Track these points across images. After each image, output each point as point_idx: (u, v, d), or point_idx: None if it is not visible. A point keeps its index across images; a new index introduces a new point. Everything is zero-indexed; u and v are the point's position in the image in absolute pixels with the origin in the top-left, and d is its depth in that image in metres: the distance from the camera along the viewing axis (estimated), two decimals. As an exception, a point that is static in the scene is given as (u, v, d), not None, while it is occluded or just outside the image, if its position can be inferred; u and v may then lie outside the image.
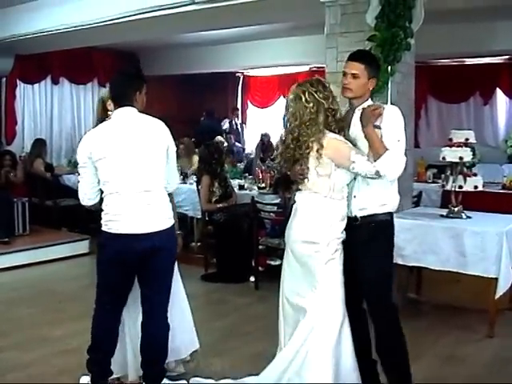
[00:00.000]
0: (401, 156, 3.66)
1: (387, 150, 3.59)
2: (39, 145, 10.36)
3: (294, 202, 3.92)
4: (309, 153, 3.66)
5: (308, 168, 3.69)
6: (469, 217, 5.79)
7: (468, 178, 5.75)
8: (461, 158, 5.65)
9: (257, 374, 4.16)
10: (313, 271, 3.75)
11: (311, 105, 3.65)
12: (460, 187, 5.74)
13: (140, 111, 3.90)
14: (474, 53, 10.18)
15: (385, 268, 3.86)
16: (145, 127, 3.85)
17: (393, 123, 3.72)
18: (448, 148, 5.74)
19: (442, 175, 6.06)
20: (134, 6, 7.48)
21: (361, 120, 3.69)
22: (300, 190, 3.84)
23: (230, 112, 14.16)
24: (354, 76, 3.75)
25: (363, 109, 3.73)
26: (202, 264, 7.51)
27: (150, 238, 3.71)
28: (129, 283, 3.90)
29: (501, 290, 5.17)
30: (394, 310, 3.88)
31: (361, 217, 3.79)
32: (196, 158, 8.86)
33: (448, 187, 5.84)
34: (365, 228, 3.78)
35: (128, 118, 3.81)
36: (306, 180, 3.73)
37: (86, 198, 3.88)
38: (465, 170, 5.84)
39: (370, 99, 3.88)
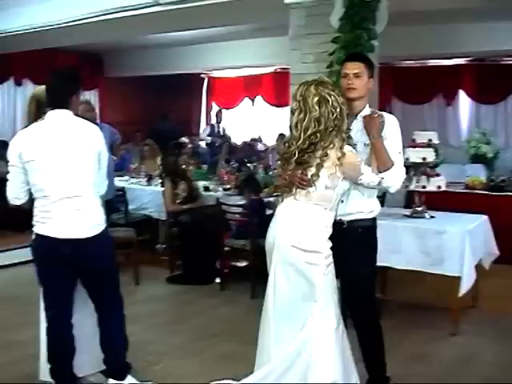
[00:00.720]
0: (403, 169, 3.73)
1: (393, 163, 3.63)
2: (1, 147, 10.20)
3: (275, 207, 3.79)
4: (325, 161, 3.48)
5: (318, 176, 3.49)
6: (432, 216, 5.86)
7: (431, 178, 5.82)
8: (424, 159, 5.72)
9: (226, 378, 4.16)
10: (312, 281, 3.53)
11: (338, 110, 3.48)
12: (423, 187, 5.81)
13: (75, 114, 3.86)
14: (437, 54, 10.32)
15: (372, 270, 3.94)
16: (78, 131, 3.80)
17: (394, 135, 3.76)
18: (411, 149, 5.80)
19: (406, 175, 6.09)
20: (97, 8, 7.44)
21: (366, 129, 3.69)
22: (294, 197, 3.60)
23: (213, 115, 14.01)
24: (357, 75, 3.75)
25: (368, 117, 3.72)
26: (168, 266, 7.48)
27: (78, 245, 3.69)
28: (65, 284, 3.84)
29: (464, 288, 5.24)
30: (377, 311, 3.99)
31: (347, 221, 3.77)
32: (159, 160, 8.84)
33: (412, 187, 5.90)
34: (352, 233, 3.76)
35: (62, 121, 3.76)
36: (311, 189, 3.53)
37: (13, 197, 3.83)
38: (428, 170, 5.90)
39: (368, 105, 3.88)
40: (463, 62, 10.94)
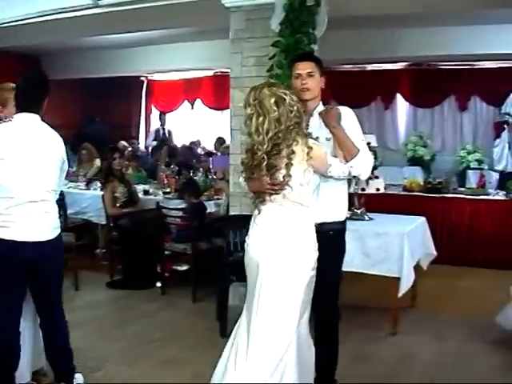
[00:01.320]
0: (370, 155, 3.72)
1: (359, 149, 3.62)
2: None
3: (258, 214, 3.59)
4: (292, 159, 3.43)
5: (291, 176, 3.44)
6: (371, 218, 5.95)
7: (370, 181, 5.90)
8: (363, 162, 5.76)
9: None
10: (296, 288, 3.49)
11: (295, 107, 3.44)
12: (363, 189, 5.88)
13: (42, 119, 3.83)
14: (375, 59, 10.46)
15: (340, 273, 4.01)
16: (46, 137, 3.79)
17: (353, 123, 3.78)
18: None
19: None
20: (35, 9, 7.29)
21: (325, 122, 3.70)
22: (269, 201, 3.52)
23: (155, 119, 13.84)
24: (310, 74, 3.76)
25: (324, 111, 3.74)
26: (108, 271, 7.37)
27: (39, 247, 3.67)
28: (18, 291, 3.77)
29: (403, 288, 5.33)
30: (338, 315, 4.08)
31: (318, 224, 3.65)
32: (98, 163, 8.72)
33: (351, 190, 5.93)
34: (323, 236, 3.64)
35: (30, 125, 3.73)
36: (286, 191, 3.47)
37: None
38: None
39: (321, 101, 3.90)
40: (401, 67, 11.12)
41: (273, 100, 3.42)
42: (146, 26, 8.43)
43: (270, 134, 3.39)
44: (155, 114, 14.29)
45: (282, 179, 3.44)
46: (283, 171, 3.44)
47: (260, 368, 3.40)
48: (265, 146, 3.39)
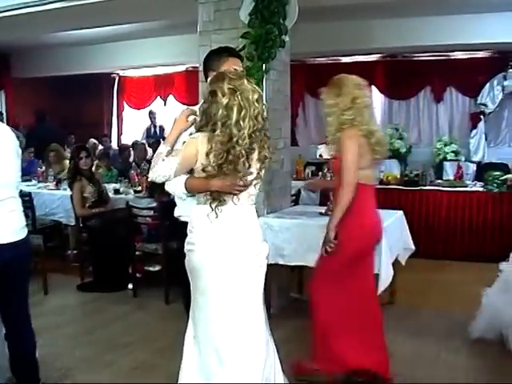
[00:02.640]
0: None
1: None
2: None
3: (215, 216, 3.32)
4: (265, 162, 3.37)
5: (260, 177, 3.39)
6: (348, 214, 5.78)
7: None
8: (338, 155, 5.62)
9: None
10: (258, 285, 3.43)
11: (266, 108, 3.35)
12: (337, 184, 5.72)
13: None
14: (349, 51, 10.36)
15: None
16: (3, 133, 3.61)
17: None
18: (325, 145, 5.70)
19: (320, 172, 6.03)
20: (3, 3, 7.09)
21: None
22: (231, 200, 3.32)
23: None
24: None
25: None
26: (78, 273, 7.17)
27: (13, 247, 3.51)
28: None
29: (382, 285, 5.16)
30: None
31: None
32: (67, 164, 8.50)
33: (328, 185, 5.81)
34: None
35: None
36: (253, 191, 3.38)
37: None
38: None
39: None
40: (375, 59, 11.01)
41: (256, 96, 3.25)
42: (116, 19, 8.33)
43: (250, 131, 3.21)
44: (128, 111, 14.07)
45: (250, 179, 3.31)
46: (254, 170, 3.31)
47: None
48: (245, 142, 3.20)
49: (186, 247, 3.41)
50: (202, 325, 3.41)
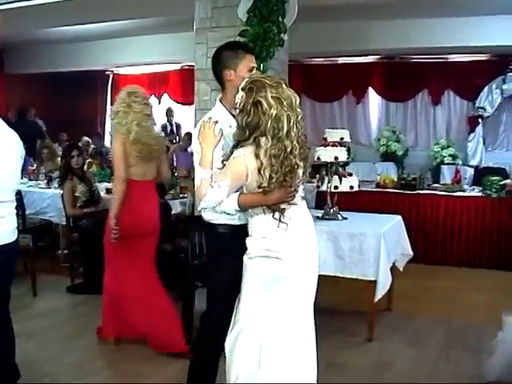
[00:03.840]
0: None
1: None
2: None
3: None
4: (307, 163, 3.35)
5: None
6: (345, 218, 5.68)
7: (343, 179, 5.62)
8: (336, 158, 5.50)
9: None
10: None
11: None
12: (336, 188, 5.60)
13: None
14: (347, 52, 10.29)
15: None
16: (8, 135, 3.47)
17: None
18: (323, 148, 5.59)
19: (317, 175, 5.90)
20: (-3, -2, 6.98)
21: None
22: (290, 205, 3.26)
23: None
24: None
25: None
26: (69, 274, 7.00)
27: (11, 248, 3.41)
28: None
29: (380, 292, 5.08)
30: None
31: None
32: (60, 162, 8.35)
33: (323, 188, 5.69)
34: None
35: None
36: (301, 190, 3.36)
37: None
38: (340, 170, 5.70)
39: None
40: (373, 60, 10.97)
41: (297, 101, 3.19)
42: (112, 15, 8.24)
43: (297, 137, 3.14)
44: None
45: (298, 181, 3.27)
46: (300, 172, 3.27)
47: None
48: (297, 151, 3.14)
49: (262, 253, 3.27)
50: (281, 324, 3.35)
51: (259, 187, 3.14)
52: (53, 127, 12.18)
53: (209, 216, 3.39)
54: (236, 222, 3.36)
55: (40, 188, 8.37)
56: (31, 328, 5.25)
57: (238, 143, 3.21)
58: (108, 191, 7.58)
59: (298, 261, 3.30)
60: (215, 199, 3.13)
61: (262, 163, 3.09)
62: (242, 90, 3.17)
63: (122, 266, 4.95)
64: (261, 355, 3.28)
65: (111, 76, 13.96)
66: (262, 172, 3.10)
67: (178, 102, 13.04)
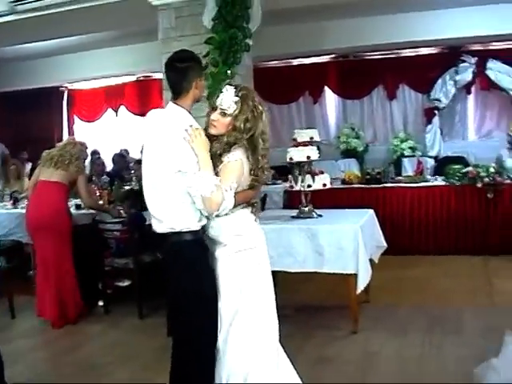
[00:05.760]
0: None
1: None
2: None
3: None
4: None
5: None
6: (320, 215, 5.78)
7: (316, 177, 5.72)
8: (308, 157, 5.60)
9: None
10: None
11: None
12: (309, 186, 5.70)
13: None
14: (302, 53, 10.37)
15: None
16: None
17: None
18: (294, 148, 5.68)
19: (289, 176, 5.98)
20: None
21: None
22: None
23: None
24: None
25: None
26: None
27: None
28: None
29: (361, 285, 5.17)
30: None
31: None
32: (27, 182, 8.26)
33: (297, 187, 5.77)
34: None
35: None
36: None
37: None
38: (313, 168, 5.79)
39: None
40: (327, 60, 11.07)
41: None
42: (68, 31, 8.13)
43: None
44: (79, 124, 13.77)
45: None
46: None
47: None
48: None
49: (240, 248, 3.42)
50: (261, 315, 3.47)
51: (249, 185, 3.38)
52: (12, 147, 11.99)
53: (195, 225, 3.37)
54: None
55: (6, 209, 8.26)
56: (15, 349, 5.20)
57: (231, 146, 3.33)
58: (78, 207, 7.54)
59: (264, 247, 3.55)
60: (230, 204, 3.24)
61: (253, 164, 3.33)
62: (237, 96, 3.34)
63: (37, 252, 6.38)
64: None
65: (66, 92, 13.80)
66: (252, 172, 3.34)
67: (136, 114, 12.95)
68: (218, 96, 3.39)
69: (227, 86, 3.42)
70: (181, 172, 3.20)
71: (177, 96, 3.35)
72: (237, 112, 3.32)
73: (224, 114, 3.34)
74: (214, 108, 3.41)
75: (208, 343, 3.38)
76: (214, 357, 3.40)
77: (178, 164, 3.20)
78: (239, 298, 3.42)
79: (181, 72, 3.36)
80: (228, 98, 3.32)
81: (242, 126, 3.31)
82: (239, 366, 3.39)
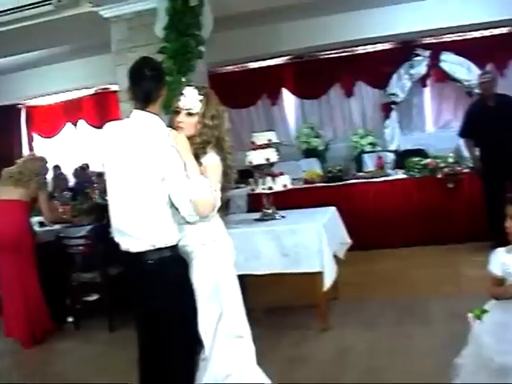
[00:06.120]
0: None
1: None
2: None
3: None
4: None
5: None
6: (283, 216, 5.82)
7: (276, 178, 5.76)
8: (267, 160, 5.63)
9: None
10: None
11: None
12: (270, 188, 5.73)
13: None
14: (259, 56, 10.40)
15: None
16: None
17: None
18: (253, 151, 5.71)
19: (250, 179, 6.02)
20: None
21: None
22: None
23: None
24: None
25: None
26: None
27: None
28: None
29: (328, 282, 5.22)
30: None
31: None
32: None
33: (258, 190, 5.80)
34: None
35: None
36: None
37: None
38: (272, 170, 5.83)
39: None
40: (283, 61, 11.10)
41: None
42: (22, 48, 8.03)
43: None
44: (38, 140, 13.63)
45: None
46: None
47: None
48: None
49: (208, 240, 3.48)
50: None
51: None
52: None
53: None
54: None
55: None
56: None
57: (204, 146, 3.43)
58: (41, 224, 7.47)
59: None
60: (219, 205, 3.35)
61: (224, 164, 3.45)
62: (201, 95, 3.47)
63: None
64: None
65: (24, 109, 13.65)
66: (224, 172, 3.46)
67: (95, 127, 12.84)
68: (179, 99, 3.43)
69: (187, 88, 3.49)
70: (166, 179, 3.17)
71: (147, 103, 3.32)
72: (203, 110, 3.42)
73: (190, 115, 3.42)
74: (176, 112, 3.46)
75: (189, 355, 3.41)
76: (193, 367, 3.42)
77: (165, 170, 3.17)
78: (221, 303, 3.46)
79: (152, 79, 3.36)
80: (192, 98, 3.41)
81: (211, 122, 3.41)
82: (221, 368, 3.43)
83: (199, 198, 3.17)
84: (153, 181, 3.18)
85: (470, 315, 3.26)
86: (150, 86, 3.33)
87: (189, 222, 3.34)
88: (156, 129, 3.28)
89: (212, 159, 3.38)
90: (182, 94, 3.47)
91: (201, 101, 3.43)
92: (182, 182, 3.17)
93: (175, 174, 3.18)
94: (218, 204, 3.31)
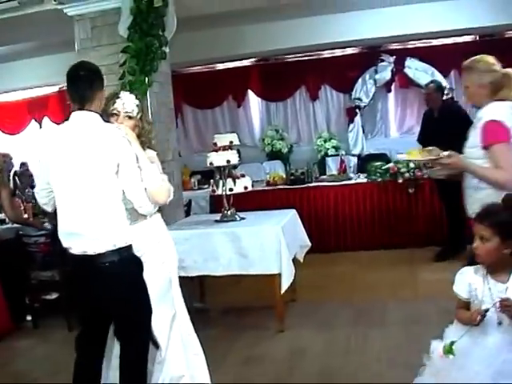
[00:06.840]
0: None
1: None
2: None
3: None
4: None
5: None
6: (243, 218, 5.86)
7: (237, 180, 5.80)
8: (228, 161, 5.67)
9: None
10: None
11: None
12: (231, 190, 5.77)
13: None
14: (225, 57, 10.42)
15: None
16: None
17: None
18: (214, 153, 5.74)
19: (211, 180, 6.06)
20: None
21: None
22: None
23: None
24: None
25: None
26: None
27: None
28: None
29: (285, 284, 5.26)
30: None
31: None
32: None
33: (219, 191, 5.84)
34: None
35: None
36: None
37: None
38: (233, 172, 5.88)
39: None
40: (249, 63, 11.15)
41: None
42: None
43: None
44: (2, 137, 13.48)
45: None
46: None
47: None
48: None
49: (153, 241, 3.60)
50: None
51: None
52: None
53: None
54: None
55: None
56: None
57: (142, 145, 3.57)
58: (2, 222, 7.42)
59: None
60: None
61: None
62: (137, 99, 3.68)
63: None
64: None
65: (-14, 106, 13.50)
66: None
67: (60, 124, 12.76)
68: (114, 102, 3.53)
69: (123, 92, 3.67)
70: (120, 170, 3.16)
71: (83, 103, 3.31)
72: (141, 114, 3.66)
73: (130, 118, 3.58)
74: (112, 114, 3.54)
75: (145, 356, 3.37)
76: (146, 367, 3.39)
77: (119, 160, 3.16)
78: (173, 303, 3.50)
79: (86, 79, 3.34)
80: (130, 102, 3.53)
81: (147, 126, 3.70)
82: (175, 370, 3.46)
83: (155, 187, 3.24)
84: (107, 175, 3.16)
85: (441, 353, 2.87)
86: (84, 86, 3.32)
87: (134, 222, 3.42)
88: (103, 124, 3.30)
89: (152, 152, 3.64)
90: (119, 97, 3.55)
91: (137, 105, 3.63)
92: (137, 171, 3.22)
93: (130, 162, 3.20)
94: (172, 192, 3.47)
